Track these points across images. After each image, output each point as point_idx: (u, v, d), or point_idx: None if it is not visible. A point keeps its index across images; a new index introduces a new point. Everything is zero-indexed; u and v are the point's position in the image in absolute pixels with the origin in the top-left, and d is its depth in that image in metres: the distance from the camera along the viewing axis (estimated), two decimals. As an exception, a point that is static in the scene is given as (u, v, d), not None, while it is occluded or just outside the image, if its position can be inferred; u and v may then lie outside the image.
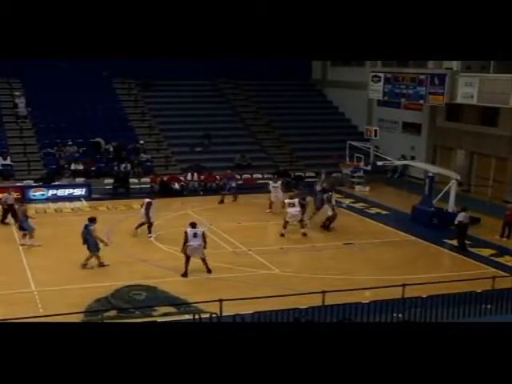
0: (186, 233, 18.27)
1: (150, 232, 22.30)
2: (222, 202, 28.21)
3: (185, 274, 18.22)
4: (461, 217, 21.83)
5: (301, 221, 22.91)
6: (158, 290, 16.77)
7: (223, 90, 39.73)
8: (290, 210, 22.72)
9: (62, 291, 16.83)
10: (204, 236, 18.39)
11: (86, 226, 18.99)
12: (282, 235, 22.60)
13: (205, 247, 18.46)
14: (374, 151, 28.02)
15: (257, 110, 38.58)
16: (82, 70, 33.92)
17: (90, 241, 18.85)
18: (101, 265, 18.97)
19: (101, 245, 19.11)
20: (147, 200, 22.81)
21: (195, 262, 18.65)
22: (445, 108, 30.44)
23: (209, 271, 18.42)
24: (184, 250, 18.25)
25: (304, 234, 22.74)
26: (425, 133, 33.32)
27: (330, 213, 23.62)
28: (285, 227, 22.75)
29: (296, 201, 22.98)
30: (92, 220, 19.27)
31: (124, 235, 22.29)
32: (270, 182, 27.88)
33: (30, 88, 35.55)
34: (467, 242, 22.18)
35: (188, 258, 18.28)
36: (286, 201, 23.27)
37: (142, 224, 22.42)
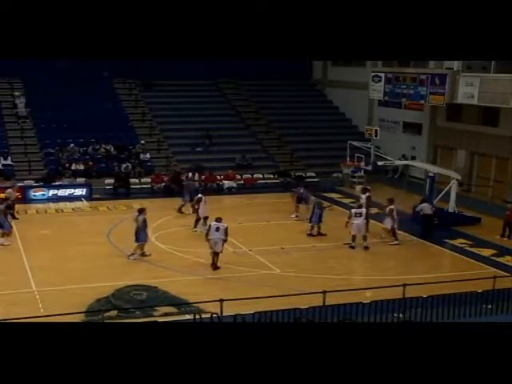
0: (209, 226, 19.07)
1: (195, 226, 22.88)
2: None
3: (215, 266, 18.82)
4: (422, 207, 23.25)
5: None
6: (158, 290, 16.75)
7: (223, 90, 39.70)
8: (357, 222, 21.31)
9: (63, 291, 16.82)
10: (226, 231, 18.85)
11: (136, 217, 19.77)
12: (352, 247, 21.40)
13: (225, 241, 19.02)
14: (375, 151, 27.99)
15: (257, 110, 38.54)
16: (83, 70, 33.94)
17: (139, 231, 19.55)
18: (143, 255, 19.72)
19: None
20: (199, 196, 23.65)
21: (197, 261, 18.68)
22: (445, 108, 30.44)
23: (215, 267, 18.77)
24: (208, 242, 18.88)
25: (366, 248, 21.46)
26: (425, 133, 33.31)
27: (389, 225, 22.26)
28: (353, 240, 21.49)
29: (363, 210, 21.78)
30: (141, 211, 19.98)
31: (124, 235, 22.25)
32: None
33: (30, 88, 35.55)
34: (467, 241, 22.51)
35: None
36: (353, 210, 21.78)
37: (198, 220, 22.97)
